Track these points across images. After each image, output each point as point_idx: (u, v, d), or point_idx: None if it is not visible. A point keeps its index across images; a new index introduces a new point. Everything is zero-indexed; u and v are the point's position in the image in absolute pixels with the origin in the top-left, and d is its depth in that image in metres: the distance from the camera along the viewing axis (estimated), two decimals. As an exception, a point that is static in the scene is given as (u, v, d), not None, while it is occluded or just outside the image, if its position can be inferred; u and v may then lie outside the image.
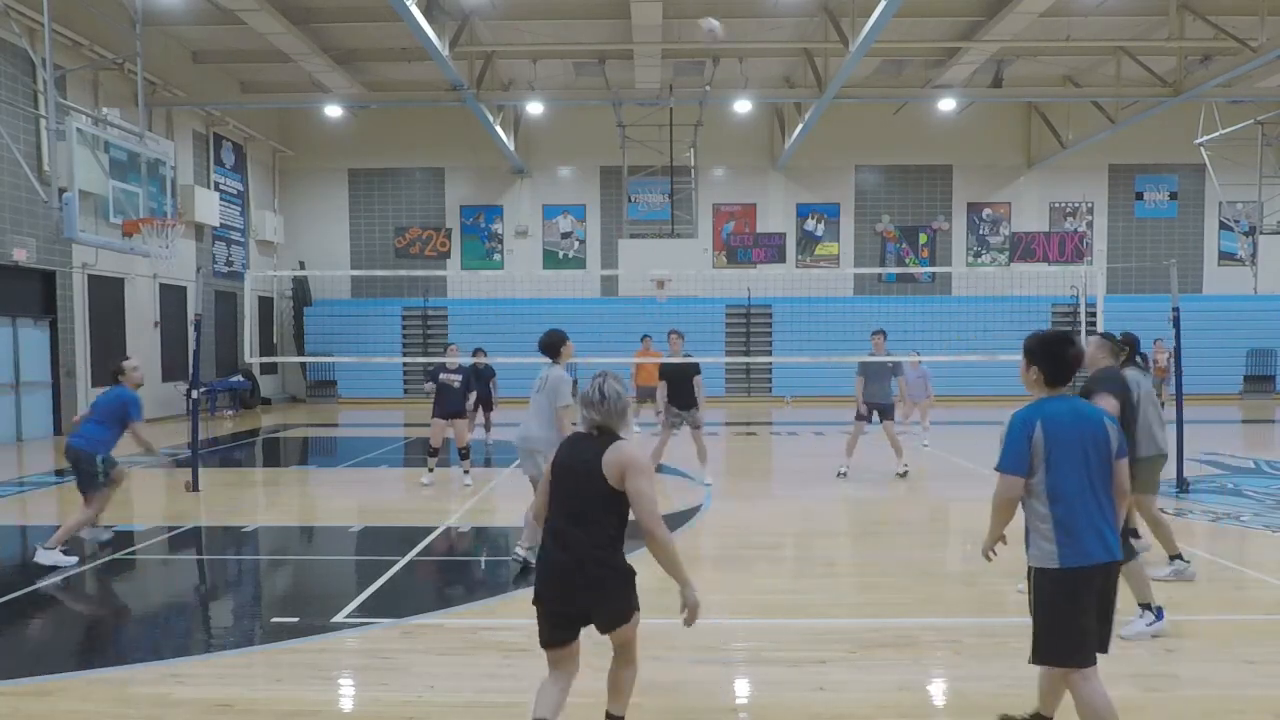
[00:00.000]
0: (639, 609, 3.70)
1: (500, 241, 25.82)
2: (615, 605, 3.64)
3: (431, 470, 10.70)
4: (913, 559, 7.12)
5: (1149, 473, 6.17)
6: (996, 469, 3.61)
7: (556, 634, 3.67)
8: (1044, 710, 3.83)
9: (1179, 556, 6.34)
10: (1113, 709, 3.48)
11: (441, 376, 10.68)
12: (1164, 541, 6.33)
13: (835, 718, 4.20)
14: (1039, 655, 3.59)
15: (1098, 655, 3.55)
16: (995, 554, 3.81)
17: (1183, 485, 9.73)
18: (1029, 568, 3.62)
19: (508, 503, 9.82)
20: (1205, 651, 5.01)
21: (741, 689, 4.60)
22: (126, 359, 7.90)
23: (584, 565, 3.57)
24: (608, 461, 3.58)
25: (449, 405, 10.69)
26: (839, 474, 11.01)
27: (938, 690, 4.51)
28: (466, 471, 10.82)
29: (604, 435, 3.70)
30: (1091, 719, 3.48)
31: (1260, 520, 8.40)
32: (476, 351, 12.84)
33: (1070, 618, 3.48)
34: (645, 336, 14.35)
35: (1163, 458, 6.34)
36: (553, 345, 6.92)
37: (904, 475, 10.89)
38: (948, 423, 18.20)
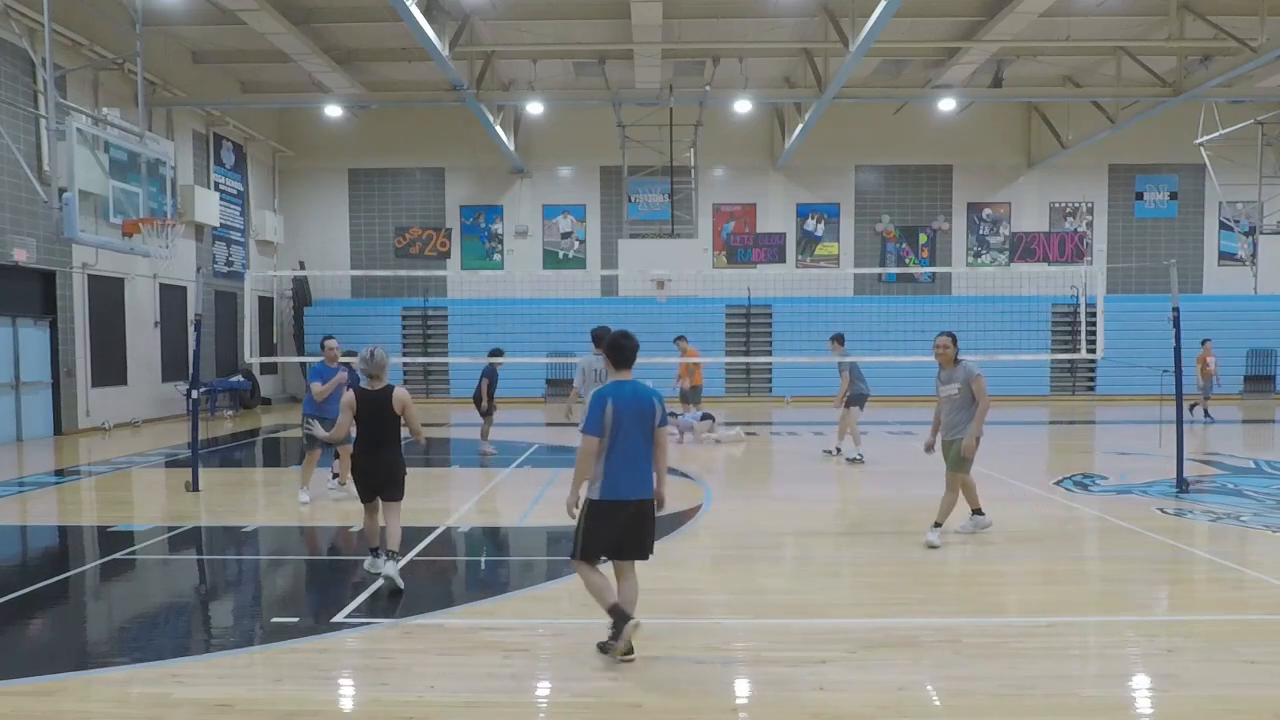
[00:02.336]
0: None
1: (500, 241, 25.81)
2: (400, 485, 6.42)
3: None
4: (912, 559, 7.12)
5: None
6: (582, 432, 4.86)
7: (369, 495, 6.45)
8: (617, 603, 4.89)
9: (979, 511, 7.83)
10: (610, 587, 4.93)
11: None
12: (969, 498, 7.78)
13: (835, 718, 4.20)
14: (583, 555, 4.90)
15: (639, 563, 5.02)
16: (577, 510, 4.97)
17: (1183, 485, 9.74)
18: (585, 499, 4.91)
19: (508, 504, 9.83)
20: (1205, 651, 5.01)
21: (741, 689, 4.59)
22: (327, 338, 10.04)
23: (390, 461, 6.35)
24: (394, 400, 6.27)
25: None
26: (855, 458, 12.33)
27: (938, 690, 4.51)
28: (335, 475, 10.30)
29: (384, 387, 6.31)
30: (595, 591, 4.90)
31: (1260, 520, 8.39)
32: (494, 353, 13.72)
33: (602, 531, 4.86)
34: (681, 337, 15.59)
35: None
36: (603, 337, 8.72)
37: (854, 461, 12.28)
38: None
